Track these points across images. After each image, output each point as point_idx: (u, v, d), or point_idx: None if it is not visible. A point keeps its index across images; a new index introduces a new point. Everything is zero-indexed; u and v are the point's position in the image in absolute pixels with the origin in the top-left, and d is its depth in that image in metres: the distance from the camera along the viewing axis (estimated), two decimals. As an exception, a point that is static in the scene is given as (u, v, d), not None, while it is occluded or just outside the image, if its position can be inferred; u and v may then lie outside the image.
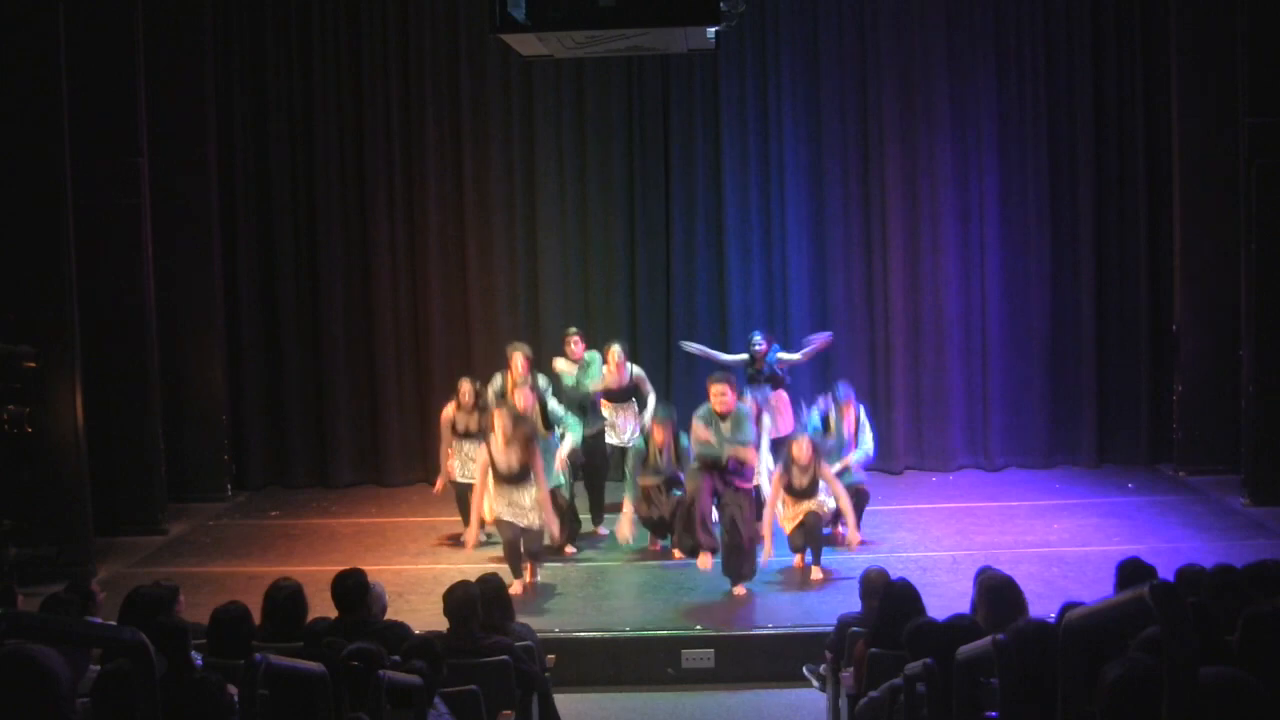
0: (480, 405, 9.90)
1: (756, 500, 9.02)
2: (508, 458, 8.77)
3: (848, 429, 9.72)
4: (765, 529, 8.95)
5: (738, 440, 8.65)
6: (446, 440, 10.05)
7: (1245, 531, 9.89)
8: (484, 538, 9.43)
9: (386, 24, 12.42)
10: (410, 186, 12.51)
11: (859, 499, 9.68)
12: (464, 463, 9.91)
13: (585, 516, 10.43)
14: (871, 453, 9.95)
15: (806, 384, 11.72)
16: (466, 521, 9.55)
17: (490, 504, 8.87)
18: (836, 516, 9.41)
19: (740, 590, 8.76)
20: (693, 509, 8.82)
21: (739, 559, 8.71)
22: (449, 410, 10.04)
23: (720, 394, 8.71)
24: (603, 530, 10.37)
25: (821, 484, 9.11)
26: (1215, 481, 11.22)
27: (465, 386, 10.01)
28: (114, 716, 3.81)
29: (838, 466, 9.44)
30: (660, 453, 9.60)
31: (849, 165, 12.41)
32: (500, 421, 8.79)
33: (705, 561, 8.88)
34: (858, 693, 5.92)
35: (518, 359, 9.81)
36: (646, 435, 9.80)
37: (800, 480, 9.08)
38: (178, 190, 11.54)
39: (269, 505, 11.92)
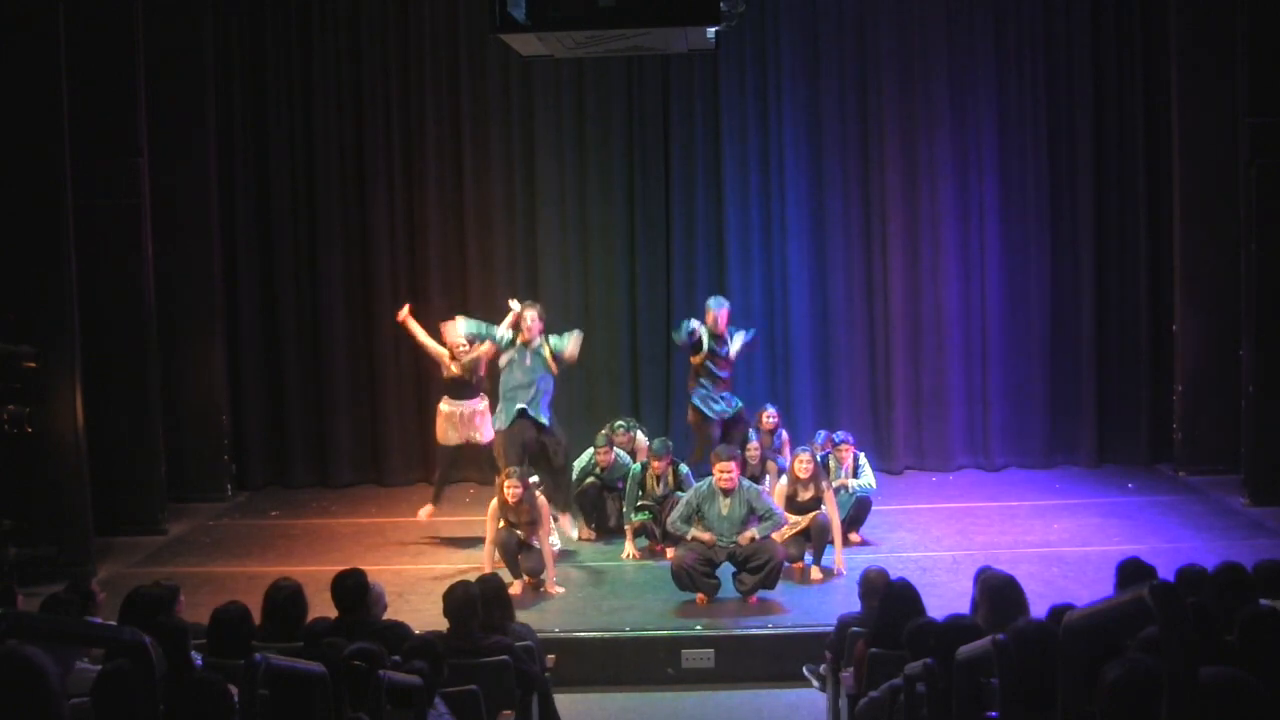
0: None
1: None
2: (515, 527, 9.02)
3: (844, 471, 9.75)
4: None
5: (768, 521, 8.58)
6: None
7: (1245, 531, 9.88)
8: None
9: (386, 24, 12.42)
10: (410, 186, 12.51)
11: (860, 509, 9.81)
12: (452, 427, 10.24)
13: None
14: (875, 486, 9.95)
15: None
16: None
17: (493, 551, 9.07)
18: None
19: (751, 598, 8.74)
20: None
21: (753, 581, 8.69)
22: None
23: (726, 471, 8.58)
24: (588, 535, 10.34)
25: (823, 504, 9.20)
26: (1215, 481, 11.22)
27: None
28: (114, 716, 3.81)
29: (836, 484, 9.52)
30: (658, 481, 9.67)
31: (849, 165, 12.41)
32: (509, 488, 8.87)
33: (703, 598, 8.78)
34: (858, 693, 5.92)
35: (529, 316, 9.70)
36: (645, 464, 9.79)
37: (803, 495, 9.19)
38: (178, 190, 11.53)
39: (269, 505, 11.91)
